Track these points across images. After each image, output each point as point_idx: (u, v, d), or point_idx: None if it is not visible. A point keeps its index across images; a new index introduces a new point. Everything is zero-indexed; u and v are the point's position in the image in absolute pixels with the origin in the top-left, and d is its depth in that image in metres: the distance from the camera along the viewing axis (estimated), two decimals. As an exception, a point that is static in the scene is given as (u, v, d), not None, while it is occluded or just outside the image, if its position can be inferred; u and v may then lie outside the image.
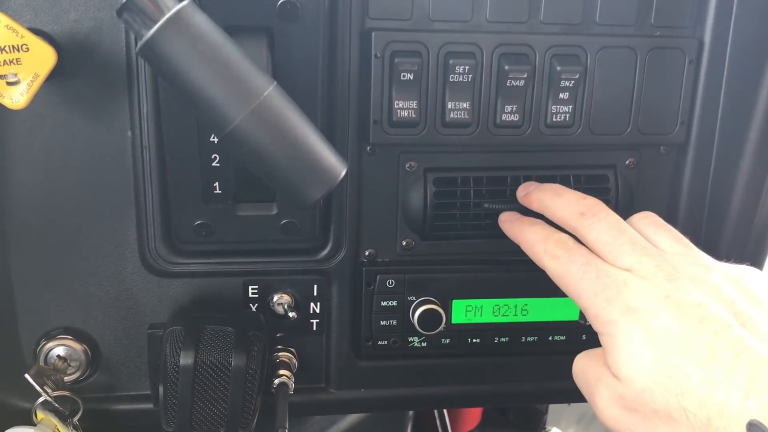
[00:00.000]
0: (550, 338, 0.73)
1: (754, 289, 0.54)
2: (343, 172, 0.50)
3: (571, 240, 0.58)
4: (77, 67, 0.59)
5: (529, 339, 0.73)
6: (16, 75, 0.53)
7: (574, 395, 0.77)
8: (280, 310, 0.68)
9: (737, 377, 0.45)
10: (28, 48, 0.52)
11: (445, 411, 1.08)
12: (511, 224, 0.64)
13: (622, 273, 0.54)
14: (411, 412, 0.98)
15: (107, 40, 0.59)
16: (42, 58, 0.53)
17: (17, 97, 0.53)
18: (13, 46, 0.52)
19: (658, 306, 0.51)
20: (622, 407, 0.51)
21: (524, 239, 0.61)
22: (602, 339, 0.54)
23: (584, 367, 0.56)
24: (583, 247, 0.57)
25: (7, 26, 0.52)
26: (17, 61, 0.53)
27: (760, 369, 0.45)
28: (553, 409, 1.14)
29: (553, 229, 0.60)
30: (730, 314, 0.50)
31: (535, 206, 0.63)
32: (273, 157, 0.47)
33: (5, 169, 0.61)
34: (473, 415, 1.12)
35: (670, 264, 0.54)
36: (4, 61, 0.52)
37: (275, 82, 0.48)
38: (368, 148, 0.65)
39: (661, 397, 0.48)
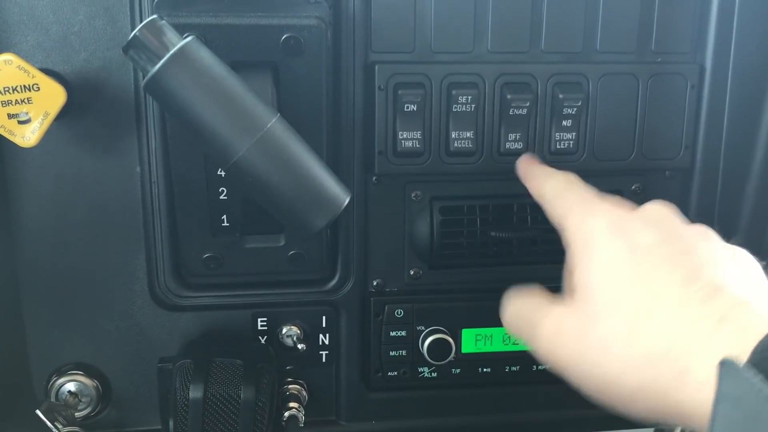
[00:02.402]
0: (562, 366, 0.72)
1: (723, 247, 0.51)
2: (347, 200, 0.50)
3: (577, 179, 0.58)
4: (87, 105, 0.60)
5: (540, 367, 0.72)
6: (27, 113, 0.54)
7: (590, 424, 0.76)
8: (289, 342, 0.68)
9: (713, 308, 0.43)
10: (38, 87, 0.54)
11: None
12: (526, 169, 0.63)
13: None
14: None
15: (116, 78, 0.60)
16: (52, 96, 0.54)
17: (28, 136, 0.55)
18: (25, 86, 0.54)
19: (644, 226, 0.50)
20: (572, 336, 0.48)
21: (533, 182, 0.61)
22: (577, 248, 0.51)
23: (524, 307, 0.54)
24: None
25: (18, 67, 0.53)
26: (28, 101, 0.54)
27: (734, 306, 0.43)
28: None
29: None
30: (710, 255, 0.48)
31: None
32: (277, 187, 0.48)
33: (16, 206, 0.62)
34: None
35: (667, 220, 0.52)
36: (16, 100, 0.54)
37: (278, 114, 0.49)
38: (374, 178, 0.66)
39: (625, 314, 0.45)
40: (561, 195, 0.56)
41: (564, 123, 0.65)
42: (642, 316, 0.45)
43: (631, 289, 0.46)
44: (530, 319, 0.53)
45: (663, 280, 0.46)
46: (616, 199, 0.55)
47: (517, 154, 0.65)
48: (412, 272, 0.69)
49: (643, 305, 0.45)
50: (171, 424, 0.61)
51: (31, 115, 0.54)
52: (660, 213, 0.52)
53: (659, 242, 0.48)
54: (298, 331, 0.69)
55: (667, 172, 0.70)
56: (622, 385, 0.45)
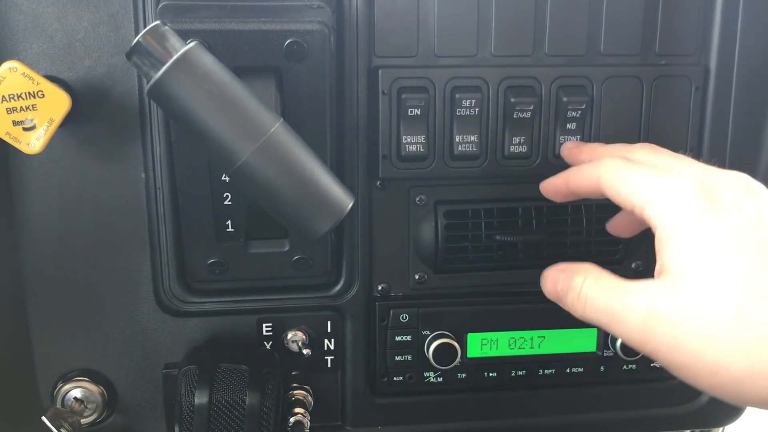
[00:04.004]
0: (568, 370, 0.72)
1: None
2: (350, 204, 0.50)
3: None
4: (91, 111, 0.60)
5: (546, 372, 0.72)
6: (32, 120, 0.54)
7: (595, 428, 0.76)
8: (294, 347, 0.68)
9: None
10: (43, 94, 0.54)
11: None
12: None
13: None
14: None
15: (120, 84, 0.60)
16: (57, 103, 0.55)
17: (33, 142, 0.55)
18: (30, 93, 0.54)
19: (738, 196, 0.46)
20: (671, 321, 0.45)
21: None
22: (666, 225, 0.47)
23: (601, 287, 0.50)
24: None
25: (23, 74, 0.53)
26: (33, 107, 0.54)
27: None
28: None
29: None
30: None
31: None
32: (281, 191, 0.48)
33: (22, 213, 0.62)
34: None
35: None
36: (21, 107, 0.54)
37: (282, 119, 0.49)
38: (378, 182, 0.66)
39: (734, 294, 0.43)
40: (625, 171, 0.51)
41: (568, 126, 0.65)
42: (753, 295, 0.42)
43: (738, 266, 0.43)
44: (613, 302, 0.48)
45: (762, 267, 0.43)
46: (686, 160, 0.52)
47: (522, 157, 0.65)
48: (417, 276, 0.69)
49: (753, 283, 0.42)
50: (176, 430, 0.61)
51: (35, 122, 0.54)
52: (746, 181, 0.49)
53: (761, 215, 0.45)
54: (303, 337, 0.68)
55: (672, 175, 0.69)
56: (729, 372, 0.43)
